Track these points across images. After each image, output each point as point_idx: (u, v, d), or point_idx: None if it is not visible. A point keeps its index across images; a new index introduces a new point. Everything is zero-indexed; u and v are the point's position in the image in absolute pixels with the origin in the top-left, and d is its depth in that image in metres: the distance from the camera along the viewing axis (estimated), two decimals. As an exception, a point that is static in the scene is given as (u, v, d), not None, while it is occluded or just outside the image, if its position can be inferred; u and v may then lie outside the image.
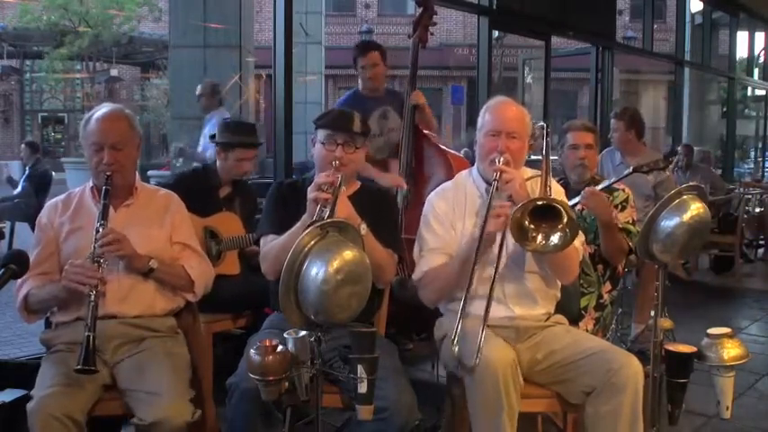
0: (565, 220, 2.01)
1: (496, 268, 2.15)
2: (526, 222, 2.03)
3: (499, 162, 2.21)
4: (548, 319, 2.36)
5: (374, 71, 3.87)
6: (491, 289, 2.12)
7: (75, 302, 2.20)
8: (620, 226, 3.02)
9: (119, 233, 2.21)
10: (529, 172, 2.37)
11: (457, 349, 2.05)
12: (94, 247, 2.14)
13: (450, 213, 2.35)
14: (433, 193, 2.47)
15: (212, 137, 3.32)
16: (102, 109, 2.34)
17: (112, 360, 2.21)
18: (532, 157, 2.52)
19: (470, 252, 2.16)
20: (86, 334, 2.00)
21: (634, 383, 2.06)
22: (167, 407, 2.00)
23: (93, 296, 2.06)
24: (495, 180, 2.18)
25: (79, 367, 1.98)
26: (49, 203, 2.43)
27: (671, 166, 5.97)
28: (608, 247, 2.97)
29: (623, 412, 2.05)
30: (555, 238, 2.03)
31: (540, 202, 2.04)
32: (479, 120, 2.38)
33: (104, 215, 2.20)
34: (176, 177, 3.37)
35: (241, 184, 3.40)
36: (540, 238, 2.04)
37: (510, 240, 2.13)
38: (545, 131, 2.43)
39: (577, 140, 3.13)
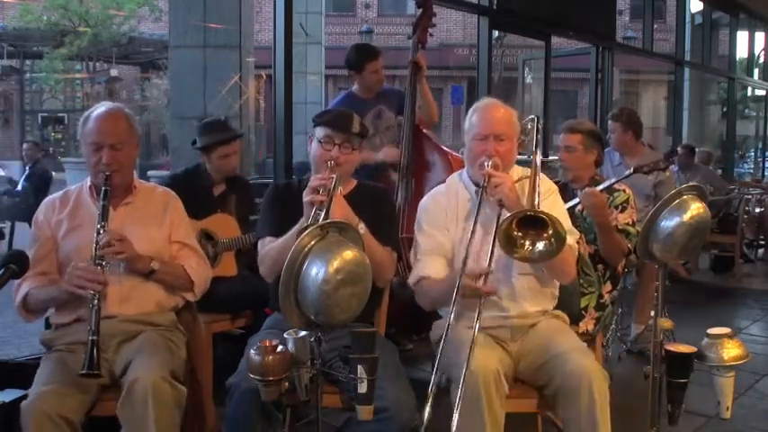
0: (550, 231, 2.00)
1: (484, 282, 2.10)
2: (514, 232, 2.02)
3: (488, 166, 2.20)
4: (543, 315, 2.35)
5: (380, 74, 3.91)
6: (478, 311, 2.08)
7: (74, 303, 2.19)
8: (620, 227, 3.02)
9: (120, 234, 2.20)
10: (519, 172, 2.35)
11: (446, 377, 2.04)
12: (95, 249, 2.14)
13: (443, 217, 2.35)
14: (425, 197, 2.47)
15: (193, 143, 3.33)
16: (101, 108, 2.33)
17: (114, 357, 2.21)
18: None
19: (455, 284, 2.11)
20: (90, 338, 2.01)
21: (588, 388, 2.00)
22: (142, 370, 2.02)
23: (96, 300, 2.06)
24: (483, 185, 2.17)
25: (84, 372, 1.98)
26: (45, 201, 2.42)
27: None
28: (605, 248, 2.96)
29: (582, 418, 2.01)
30: (540, 246, 2.02)
31: (528, 213, 2.03)
32: (467, 122, 2.35)
33: (104, 216, 2.20)
34: (169, 179, 3.38)
35: (237, 181, 3.40)
36: (527, 244, 2.03)
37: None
38: (536, 125, 2.40)
39: (560, 142, 3.17)
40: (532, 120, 2.45)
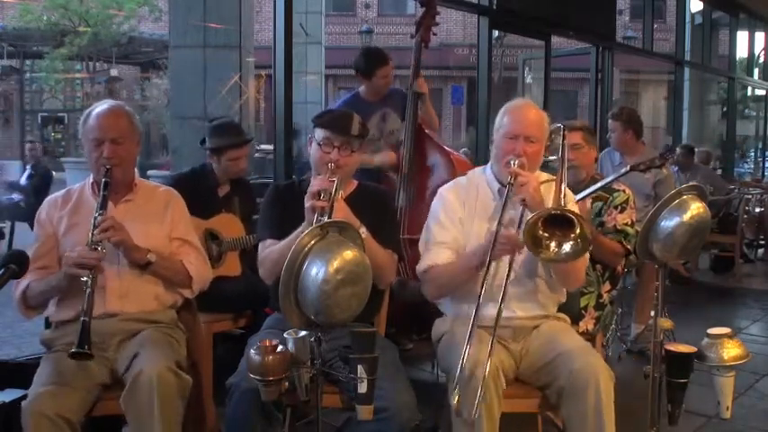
0: (577, 230, 2.00)
1: (507, 279, 2.13)
2: (540, 231, 2.01)
3: (514, 165, 2.20)
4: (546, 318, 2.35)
5: (389, 79, 3.91)
6: (498, 312, 2.10)
7: (74, 297, 2.18)
8: (618, 227, 3.02)
9: (116, 220, 2.21)
10: (543, 176, 2.36)
11: (456, 400, 2.00)
12: (92, 233, 2.14)
13: (460, 210, 2.35)
14: (444, 187, 2.46)
15: (202, 142, 3.34)
16: (102, 105, 2.36)
17: (115, 356, 2.22)
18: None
19: (474, 260, 2.16)
20: (82, 319, 2.01)
21: (595, 386, 2.02)
22: (147, 362, 2.04)
23: (90, 282, 2.06)
24: (510, 183, 2.17)
25: (74, 350, 1.98)
26: (48, 199, 2.43)
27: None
28: (597, 255, 2.95)
29: (588, 416, 2.02)
30: (567, 247, 2.02)
31: (554, 212, 2.02)
32: (498, 120, 2.35)
33: (103, 205, 2.20)
34: (175, 179, 3.38)
35: (240, 182, 3.41)
36: (553, 245, 2.03)
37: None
38: (562, 134, 2.41)
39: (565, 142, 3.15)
40: (559, 129, 2.44)
